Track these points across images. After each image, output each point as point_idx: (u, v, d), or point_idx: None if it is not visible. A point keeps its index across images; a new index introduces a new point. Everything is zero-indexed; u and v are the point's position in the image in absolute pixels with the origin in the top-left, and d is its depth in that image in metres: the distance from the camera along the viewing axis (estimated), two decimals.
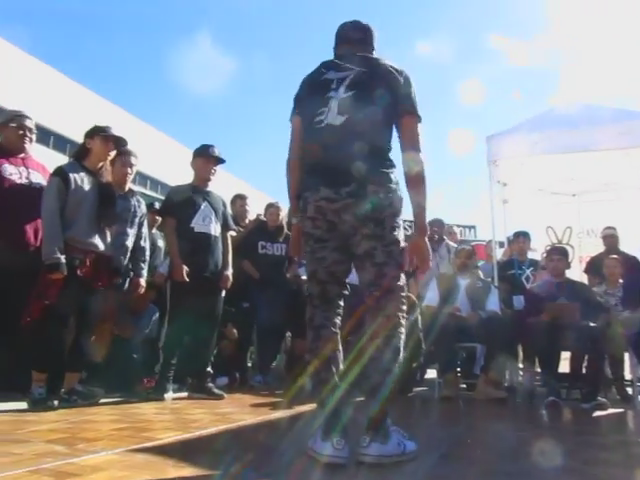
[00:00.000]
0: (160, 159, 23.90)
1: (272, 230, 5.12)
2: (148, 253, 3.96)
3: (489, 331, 4.16)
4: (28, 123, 3.60)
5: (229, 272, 4.00)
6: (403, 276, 2.07)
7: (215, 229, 3.93)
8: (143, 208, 3.93)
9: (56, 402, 2.84)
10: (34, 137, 3.67)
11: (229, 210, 4.35)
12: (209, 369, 3.85)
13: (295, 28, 68.27)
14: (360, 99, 2.03)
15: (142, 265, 3.84)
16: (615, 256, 5.05)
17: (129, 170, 3.78)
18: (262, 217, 5.31)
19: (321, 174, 2.02)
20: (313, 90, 2.15)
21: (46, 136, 19.46)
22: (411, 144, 2.07)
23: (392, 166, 2.08)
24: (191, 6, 59.76)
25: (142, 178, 24.47)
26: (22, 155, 3.55)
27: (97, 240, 3.14)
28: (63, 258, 2.90)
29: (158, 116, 51.18)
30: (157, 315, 4.27)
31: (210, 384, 3.78)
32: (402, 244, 2.08)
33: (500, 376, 4.29)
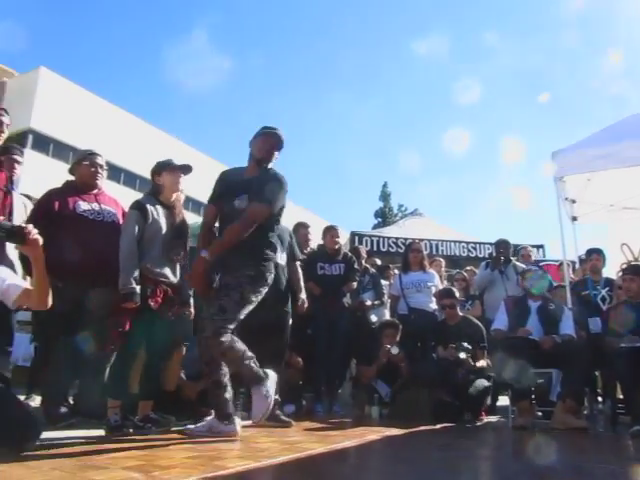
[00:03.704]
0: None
1: (330, 252, 5.17)
2: None
3: (566, 356, 3.96)
4: (99, 160, 3.79)
5: (303, 295, 4.09)
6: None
7: (281, 258, 3.99)
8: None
9: (131, 429, 2.92)
10: (105, 173, 3.87)
11: (295, 240, 4.42)
12: (277, 397, 3.86)
13: (292, 26, 69.46)
14: None
15: (190, 293, 3.92)
16: None
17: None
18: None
19: None
20: None
21: (117, 173, 20.52)
22: None
23: None
24: (186, 5, 62.24)
25: (195, 205, 24.97)
26: (95, 191, 3.75)
27: (168, 271, 3.24)
28: (138, 288, 3.01)
29: (160, 115, 53.05)
30: None
31: (278, 411, 3.78)
32: None
33: (579, 403, 4.06)
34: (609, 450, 3.34)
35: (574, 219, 5.88)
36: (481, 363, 4.70)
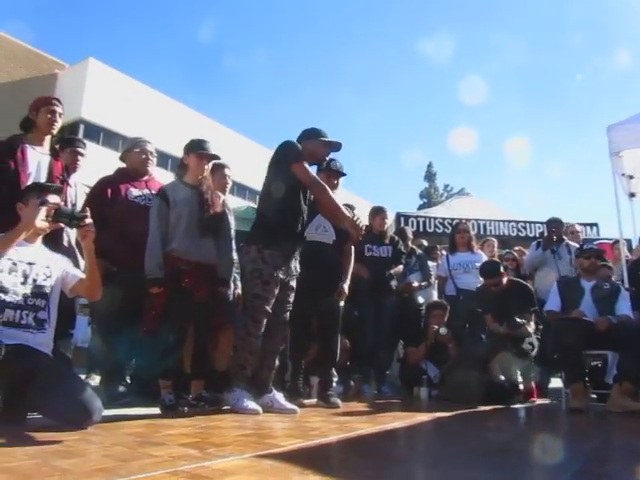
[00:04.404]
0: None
1: (378, 233, 5.14)
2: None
3: (623, 337, 3.83)
4: (149, 147, 3.89)
5: (345, 285, 4.06)
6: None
7: (330, 238, 4.00)
8: (232, 220, 4.04)
9: (186, 408, 3.01)
10: (155, 160, 3.96)
11: None
12: (335, 377, 3.93)
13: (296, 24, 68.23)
14: None
15: (237, 277, 3.97)
16: None
17: (227, 181, 3.97)
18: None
19: None
20: None
21: (165, 160, 20.95)
22: None
23: None
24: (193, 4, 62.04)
25: (241, 189, 25.10)
26: (145, 178, 3.85)
27: (198, 251, 3.20)
28: (161, 273, 3.04)
29: None
30: None
31: (331, 392, 3.83)
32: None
33: (637, 386, 3.93)
34: None
35: (632, 195, 5.63)
36: (531, 327, 4.61)
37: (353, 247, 4.31)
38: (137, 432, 2.30)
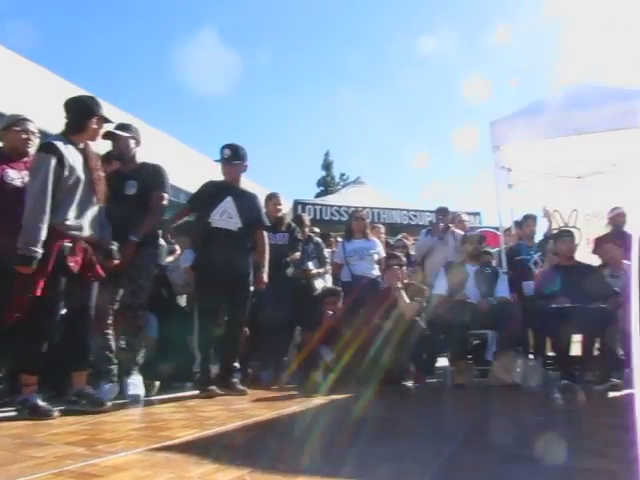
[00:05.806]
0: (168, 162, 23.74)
1: (273, 221, 5.13)
2: None
3: (500, 317, 4.15)
4: (31, 127, 3.58)
5: (263, 273, 4.04)
6: None
7: (235, 225, 3.92)
8: None
9: (57, 412, 2.57)
10: (37, 140, 3.66)
11: (262, 208, 4.35)
12: (236, 364, 3.90)
13: (299, 24, 66.85)
14: None
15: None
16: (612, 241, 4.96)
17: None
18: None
19: None
20: None
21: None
22: None
23: None
24: (195, 3, 59.16)
25: None
26: (25, 159, 3.55)
27: (87, 225, 2.90)
28: (40, 253, 2.60)
29: (162, 117, 50.25)
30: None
31: (235, 380, 3.80)
32: None
33: (513, 362, 4.28)
34: (539, 403, 3.56)
35: (510, 187, 6.08)
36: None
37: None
38: (17, 433, 2.15)
